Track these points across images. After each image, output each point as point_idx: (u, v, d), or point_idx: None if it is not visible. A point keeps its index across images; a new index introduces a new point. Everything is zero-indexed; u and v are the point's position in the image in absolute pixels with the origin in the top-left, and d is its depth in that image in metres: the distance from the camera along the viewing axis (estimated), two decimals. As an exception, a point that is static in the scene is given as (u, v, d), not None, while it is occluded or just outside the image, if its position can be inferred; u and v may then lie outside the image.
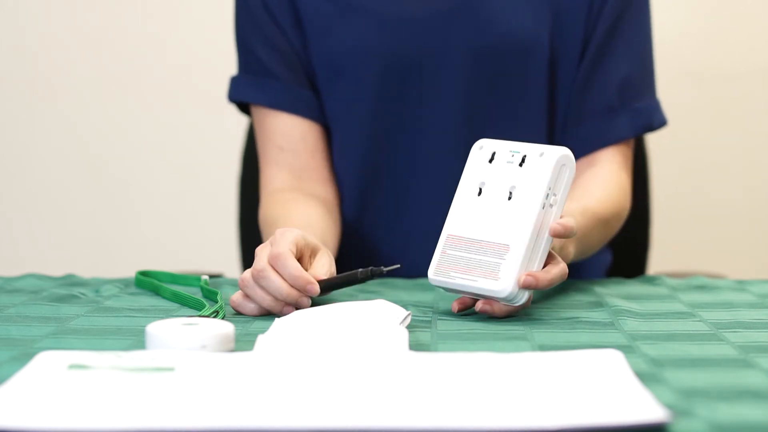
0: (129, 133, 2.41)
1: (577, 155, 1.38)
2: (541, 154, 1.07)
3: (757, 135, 2.34)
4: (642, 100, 1.40)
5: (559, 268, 1.08)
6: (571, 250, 1.18)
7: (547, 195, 1.07)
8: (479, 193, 1.10)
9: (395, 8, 1.36)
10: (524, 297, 1.06)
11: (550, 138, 1.41)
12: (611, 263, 1.59)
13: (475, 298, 1.09)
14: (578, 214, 1.20)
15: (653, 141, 1.92)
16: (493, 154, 1.10)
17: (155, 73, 2.40)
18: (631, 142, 1.42)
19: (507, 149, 1.10)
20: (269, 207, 1.39)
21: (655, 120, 1.41)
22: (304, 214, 1.32)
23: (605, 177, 1.36)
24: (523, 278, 1.04)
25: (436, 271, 1.09)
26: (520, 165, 1.08)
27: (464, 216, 1.10)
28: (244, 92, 1.43)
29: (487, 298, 1.07)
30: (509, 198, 1.08)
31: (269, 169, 1.42)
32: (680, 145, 2.34)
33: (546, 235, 1.06)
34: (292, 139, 1.41)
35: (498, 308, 1.07)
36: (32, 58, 2.40)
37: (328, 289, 1.12)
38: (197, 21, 2.36)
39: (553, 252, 1.09)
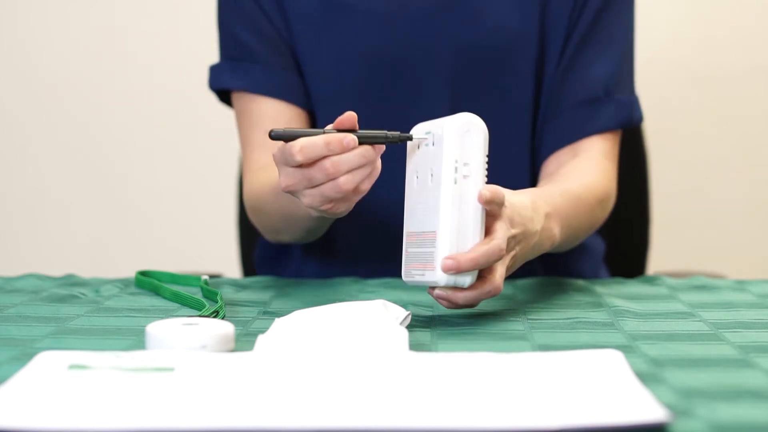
0: (129, 133, 2.41)
1: (560, 145, 1.37)
2: (443, 127, 1.03)
3: (756, 135, 2.34)
4: (624, 94, 1.39)
5: (491, 246, 1.02)
6: (556, 231, 1.17)
7: (456, 168, 1.01)
8: (416, 184, 1.07)
9: (381, 6, 1.36)
10: (467, 280, 1.02)
11: (534, 133, 1.40)
12: (605, 250, 1.58)
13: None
14: (557, 195, 1.19)
15: (653, 141, 1.92)
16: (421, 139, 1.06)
17: (155, 73, 2.40)
18: (617, 136, 1.40)
19: (423, 131, 1.06)
20: (262, 177, 1.32)
21: (635, 115, 1.39)
22: None
23: (587, 165, 1.34)
24: (442, 263, 1.01)
25: (405, 273, 1.08)
26: (433, 144, 1.04)
27: (412, 210, 1.08)
28: (227, 79, 1.40)
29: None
30: (432, 182, 1.04)
31: (254, 152, 1.38)
32: (680, 145, 2.34)
33: (472, 209, 1.02)
34: (279, 124, 1.37)
35: (455, 297, 1.04)
36: (33, 57, 2.40)
37: (362, 141, 1.04)
38: (198, 21, 2.36)
39: (497, 225, 1.04)
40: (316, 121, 1.40)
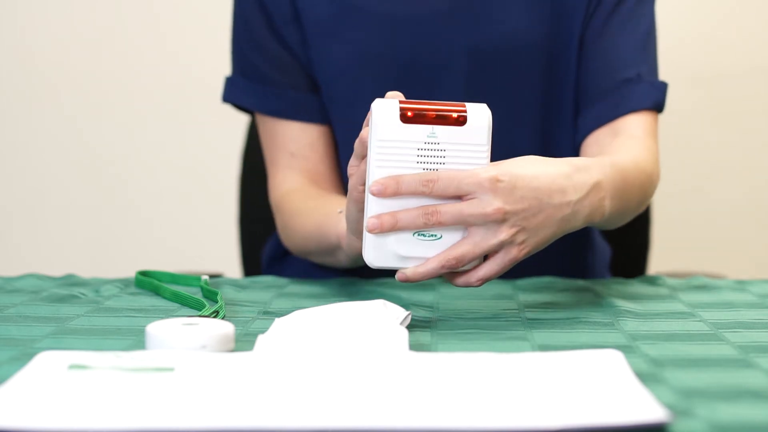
0: (129, 133, 2.41)
1: (598, 125, 1.36)
2: None
3: (757, 135, 2.34)
4: (654, 77, 1.39)
5: (416, 207, 1.02)
6: (607, 202, 1.12)
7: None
8: None
9: (393, 8, 1.36)
10: (368, 256, 1.04)
11: (545, 135, 1.40)
12: (612, 257, 1.58)
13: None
14: (608, 165, 1.15)
15: (653, 141, 1.92)
16: None
17: (156, 73, 2.40)
18: (655, 116, 1.37)
19: None
20: (295, 201, 1.36)
21: (665, 98, 1.38)
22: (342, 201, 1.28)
23: (631, 142, 1.31)
24: (367, 222, 1.02)
25: None
26: None
27: None
28: (242, 98, 1.43)
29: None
30: None
31: (280, 173, 1.41)
32: (680, 145, 2.34)
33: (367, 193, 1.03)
34: (301, 145, 1.40)
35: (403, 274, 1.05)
36: (33, 57, 2.40)
37: None
38: (199, 21, 2.36)
39: (475, 198, 1.02)
40: (333, 125, 1.41)
